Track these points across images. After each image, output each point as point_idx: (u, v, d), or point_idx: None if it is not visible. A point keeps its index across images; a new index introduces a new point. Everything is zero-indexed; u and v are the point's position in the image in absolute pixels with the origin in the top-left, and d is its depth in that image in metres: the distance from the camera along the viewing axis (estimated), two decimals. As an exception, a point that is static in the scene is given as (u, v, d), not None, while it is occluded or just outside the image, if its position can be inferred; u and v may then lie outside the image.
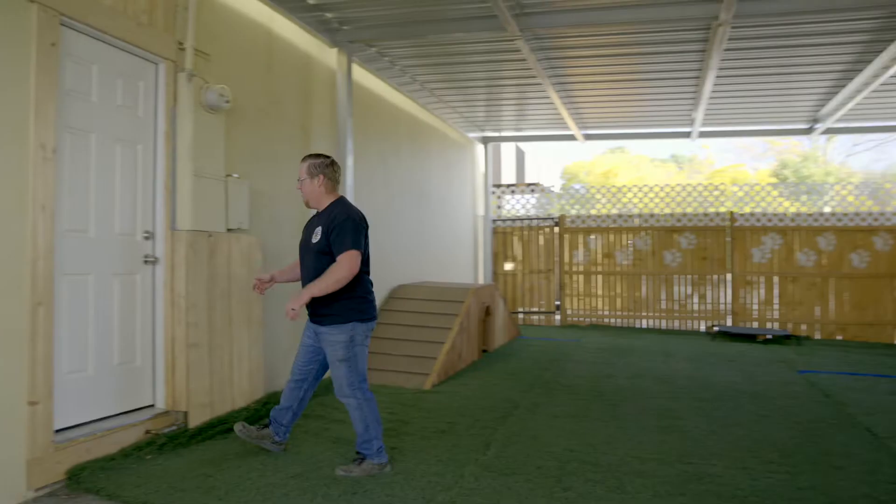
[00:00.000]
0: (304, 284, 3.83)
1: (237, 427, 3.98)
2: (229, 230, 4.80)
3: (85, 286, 3.85)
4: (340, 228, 3.65)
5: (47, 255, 3.47)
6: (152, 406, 4.31)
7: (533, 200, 11.86)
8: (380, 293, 7.54)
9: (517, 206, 11.95)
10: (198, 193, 4.43)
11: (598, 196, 11.47)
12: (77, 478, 3.53)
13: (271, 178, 5.50)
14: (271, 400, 4.99)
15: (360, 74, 7.17)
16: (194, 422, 4.31)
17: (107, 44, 3.97)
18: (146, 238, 4.27)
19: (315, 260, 3.76)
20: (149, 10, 4.20)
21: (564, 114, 9.09)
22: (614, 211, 11.20)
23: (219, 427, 4.41)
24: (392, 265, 7.90)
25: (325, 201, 3.86)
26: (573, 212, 11.46)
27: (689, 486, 3.61)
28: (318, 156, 3.93)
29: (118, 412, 4.06)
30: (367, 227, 3.81)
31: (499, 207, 12.02)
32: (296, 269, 4.06)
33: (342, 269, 3.61)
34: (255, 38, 5.33)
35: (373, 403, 3.82)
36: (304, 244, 3.88)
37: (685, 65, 7.04)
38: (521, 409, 5.22)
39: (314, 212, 3.98)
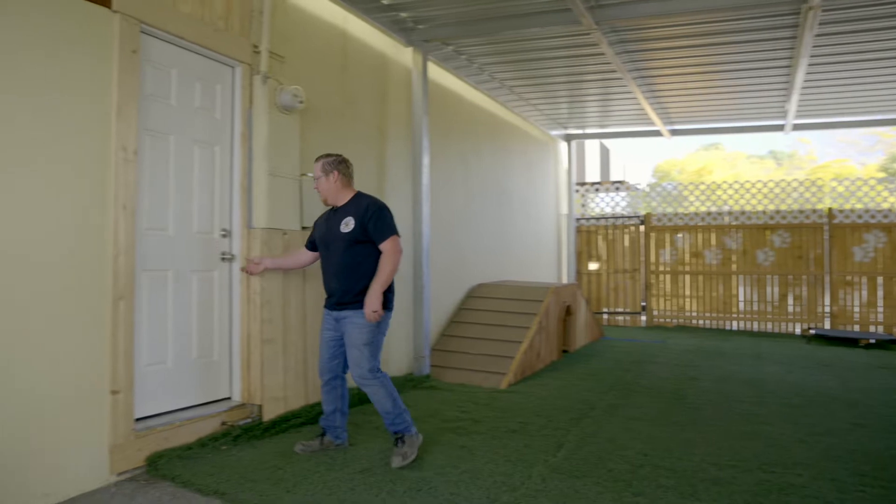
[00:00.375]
0: (328, 276, 3.99)
1: (297, 447, 4.01)
2: (304, 228, 4.87)
3: (164, 282, 3.99)
4: (379, 216, 3.86)
5: (128, 251, 3.61)
6: (229, 399, 4.42)
7: (618, 198, 11.52)
8: (458, 292, 7.51)
9: (601, 204, 11.65)
10: (272, 192, 4.52)
11: (687, 193, 11.01)
12: (156, 464, 3.66)
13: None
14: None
15: (438, 73, 7.16)
16: (268, 415, 4.39)
17: (185, 49, 4.10)
18: (223, 236, 4.39)
19: (345, 249, 3.89)
20: (225, 15, 4.31)
21: (648, 108, 8.76)
22: (703, 209, 10.71)
23: (292, 421, 4.49)
24: (471, 264, 7.85)
25: (344, 196, 4.03)
26: (661, 210, 11.06)
27: (769, 496, 3.35)
28: (328, 155, 4.09)
29: (195, 404, 4.18)
30: None
31: (583, 206, 11.76)
32: (294, 259, 4.36)
33: (394, 255, 3.84)
34: (330, 39, 5.40)
35: (389, 381, 3.93)
36: (329, 235, 3.98)
37: (775, 53, 6.61)
38: (597, 411, 5.04)
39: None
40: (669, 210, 11.01)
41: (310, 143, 5.08)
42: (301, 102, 4.65)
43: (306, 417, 4.59)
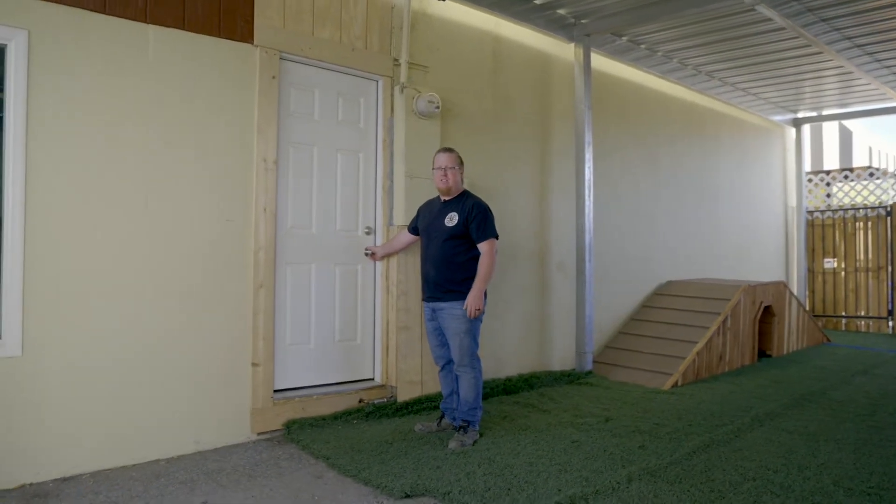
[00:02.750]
0: (427, 263, 4.11)
1: (417, 427, 4.17)
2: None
3: (308, 274, 4.45)
4: (483, 218, 3.97)
5: (268, 247, 4.11)
6: (371, 379, 4.76)
7: (858, 187, 9.77)
8: (643, 289, 7.09)
9: (838, 194, 9.99)
10: (410, 192, 4.76)
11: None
12: (290, 429, 4.11)
13: (500, 175, 5.60)
14: (487, 385, 5.10)
15: (613, 66, 6.83)
16: (403, 397, 4.64)
17: (325, 69, 4.52)
18: (366, 233, 4.73)
19: (444, 241, 4.01)
20: (363, 36, 4.66)
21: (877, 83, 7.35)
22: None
23: (425, 404, 4.67)
24: (660, 260, 7.33)
25: (457, 190, 4.13)
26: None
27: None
28: (453, 149, 4.18)
29: (338, 381, 4.58)
30: None
31: (819, 197, 10.20)
32: (396, 243, 4.54)
33: (490, 256, 3.95)
34: (479, 44, 5.48)
35: (481, 374, 4.05)
36: (433, 226, 4.09)
37: None
38: (747, 420, 4.41)
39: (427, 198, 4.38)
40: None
41: (461, 145, 5.21)
42: (437, 108, 4.82)
43: (439, 402, 4.74)
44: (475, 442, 3.92)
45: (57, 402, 3.38)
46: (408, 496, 3.20)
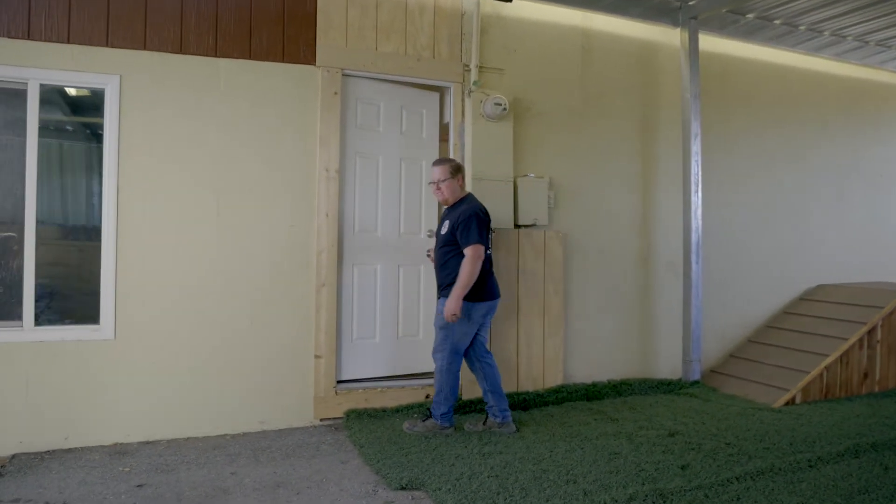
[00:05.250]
0: (435, 268, 4.16)
1: (466, 426, 4.21)
2: (519, 226, 4.96)
3: (373, 274, 4.69)
4: (466, 224, 3.92)
5: (330, 249, 4.43)
6: (444, 376, 4.86)
7: None
8: (784, 294, 6.26)
9: None
10: (478, 195, 4.75)
11: None
12: (348, 417, 4.38)
13: (591, 173, 5.35)
14: (564, 390, 4.91)
15: (733, 48, 6.09)
16: (466, 395, 4.66)
17: (390, 82, 4.74)
18: (429, 236, 4.85)
19: (440, 248, 4.10)
20: (430, 45, 4.78)
21: None
22: None
23: (490, 403, 4.65)
24: (808, 262, 6.37)
25: (458, 197, 4.14)
26: None
27: None
28: (447, 159, 4.27)
29: (404, 375, 4.75)
30: (489, 220, 4.07)
31: None
32: None
33: (469, 262, 3.88)
34: (565, 40, 5.28)
35: (453, 374, 4.05)
36: (437, 234, 4.19)
37: None
38: (841, 448, 3.72)
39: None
40: None
41: (543, 145, 5.14)
42: (504, 109, 4.77)
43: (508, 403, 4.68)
44: (429, 434, 4.02)
45: (144, 379, 4.01)
46: (403, 488, 3.28)
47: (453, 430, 4.12)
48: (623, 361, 5.40)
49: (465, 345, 4.09)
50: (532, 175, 5.04)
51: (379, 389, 4.55)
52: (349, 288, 4.60)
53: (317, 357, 4.39)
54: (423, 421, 4.14)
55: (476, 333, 4.14)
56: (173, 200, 4.10)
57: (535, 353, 4.92)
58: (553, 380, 4.96)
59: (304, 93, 4.41)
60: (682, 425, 4.27)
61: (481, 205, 4.10)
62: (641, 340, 5.49)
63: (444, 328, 4.04)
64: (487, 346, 4.30)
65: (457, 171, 4.13)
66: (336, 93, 4.47)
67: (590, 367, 5.25)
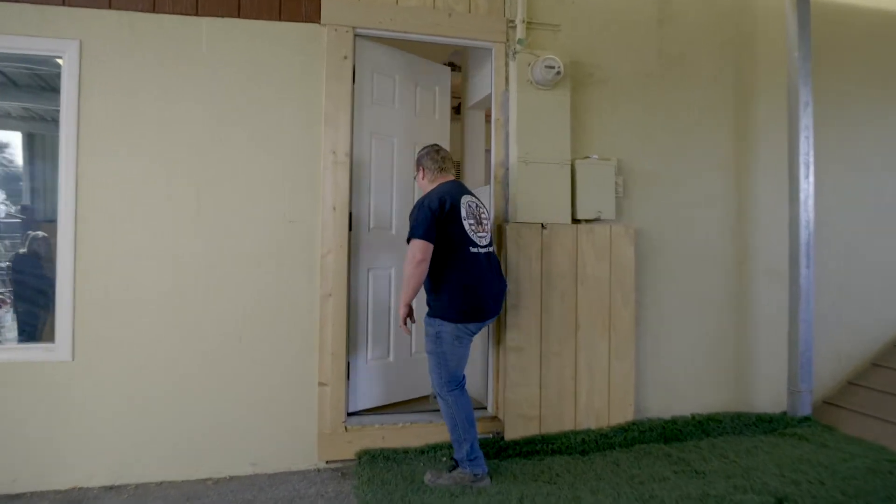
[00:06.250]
0: None
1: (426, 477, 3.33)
2: (579, 221, 3.96)
3: (388, 280, 3.81)
4: (414, 216, 3.16)
5: (338, 250, 3.57)
6: (484, 408, 3.93)
7: None
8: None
9: None
10: (523, 181, 3.81)
11: None
12: (360, 460, 3.52)
13: (668, 154, 4.27)
14: (635, 428, 3.89)
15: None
16: (510, 433, 3.71)
17: (404, 51, 3.87)
18: (468, 233, 3.92)
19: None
20: (465, -4, 3.85)
21: None
22: None
23: (539, 445, 3.68)
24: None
25: (427, 191, 3.36)
26: None
27: None
28: (423, 148, 3.47)
29: (420, 396, 3.88)
30: (453, 209, 3.15)
31: None
32: None
33: (407, 263, 3.13)
34: (638, -10, 4.24)
35: (462, 403, 3.22)
36: None
37: None
38: None
39: None
40: None
41: (606, 119, 4.14)
42: (558, 73, 3.78)
43: (561, 445, 3.70)
44: (461, 487, 3.16)
45: (109, 409, 3.28)
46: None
47: (490, 481, 3.20)
48: (711, 390, 4.30)
49: (463, 367, 3.28)
50: (595, 157, 4.02)
51: (400, 425, 3.66)
52: (363, 297, 3.74)
53: (321, 385, 3.55)
54: (450, 472, 3.24)
55: None
56: (144, 193, 3.34)
57: (599, 380, 3.91)
58: (621, 415, 3.94)
59: (306, 59, 3.57)
60: (792, 485, 3.19)
61: (447, 191, 3.22)
62: (735, 364, 4.37)
63: (434, 353, 3.23)
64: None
65: (418, 163, 3.43)
66: (346, 57, 3.60)
67: (668, 398, 4.19)
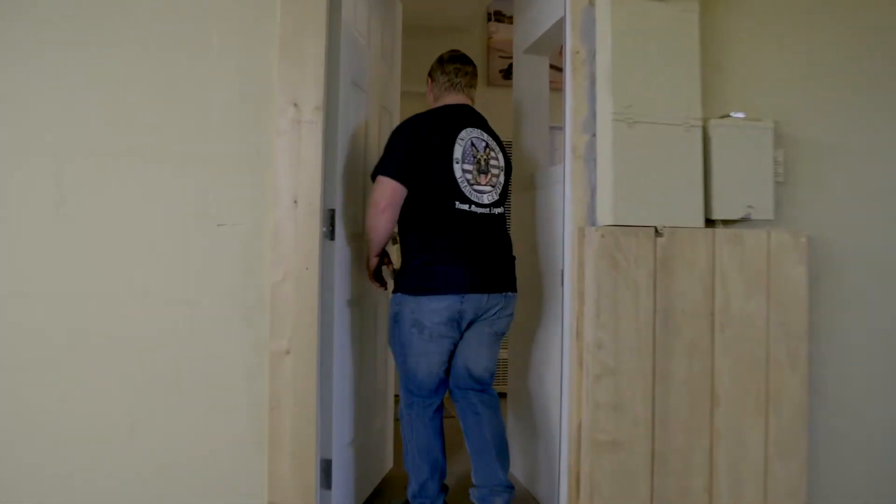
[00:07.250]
0: None
1: None
2: (714, 221, 2.34)
3: (373, 312, 2.27)
4: (385, 147, 2.28)
5: (300, 273, 2.03)
6: (554, 535, 2.35)
7: None
8: None
9: None
10: (623, 155, 2.21)
11: None
12: None
13: (853, 116, 2.60)
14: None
15: None
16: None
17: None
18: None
19: None
20: None
21: None
22: None
23: None
24: None
25: None
26: None
27: None
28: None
29: None
30: (441, 143, 2.23)
31: None
32: None
33: (368, 207, 2.28)
34: None
35: (418, 428, 2.27)
36: None
37: None
38: None
39: None
40: None
41: (763, 58, 2.52)
42: (685, -33, 2.18)
43: None
44: None
45: None
46: None
47: None
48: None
49: (425, 375, 2.27)
50: (740, 115, 2.39)
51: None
52: (343, 351, 2.22)
53: (272, 509, 2.03)
54: None
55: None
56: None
57: (750, 489, 2.28)
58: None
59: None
60: None
61: (441, 117, 2.32)
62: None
63: (391, 345, 2.36)
64: (481, 371, 2.34)
65: (431, 71, 2.50)
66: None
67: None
